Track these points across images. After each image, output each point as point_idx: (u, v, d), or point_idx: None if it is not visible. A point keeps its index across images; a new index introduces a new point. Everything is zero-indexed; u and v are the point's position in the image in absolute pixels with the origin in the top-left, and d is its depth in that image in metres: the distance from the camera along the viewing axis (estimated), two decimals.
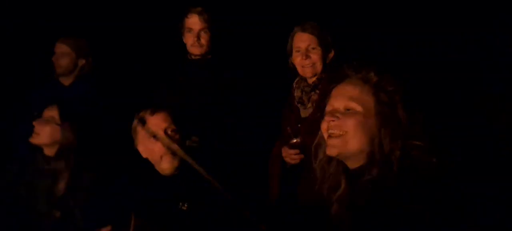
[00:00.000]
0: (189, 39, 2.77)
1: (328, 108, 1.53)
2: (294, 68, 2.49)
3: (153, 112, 2.11)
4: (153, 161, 2.09)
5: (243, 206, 1.74)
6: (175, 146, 2.01)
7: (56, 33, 3.14)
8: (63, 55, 3.04)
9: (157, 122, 2.09)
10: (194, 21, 2.75)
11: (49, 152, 2.41)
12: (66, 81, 3.09)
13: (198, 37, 2.74)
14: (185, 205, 2.01)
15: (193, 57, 2.81)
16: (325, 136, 1.50)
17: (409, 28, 2.97)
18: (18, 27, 3.37)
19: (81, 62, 3.07)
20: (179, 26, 2.82)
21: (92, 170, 2.38)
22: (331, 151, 1.48)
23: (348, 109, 1.48)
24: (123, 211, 1.90)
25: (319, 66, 2.41)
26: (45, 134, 2.37)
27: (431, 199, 1.34)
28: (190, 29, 2.76)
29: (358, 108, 1.46)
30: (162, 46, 3.25)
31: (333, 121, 1.48)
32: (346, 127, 1.45)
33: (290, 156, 2.34)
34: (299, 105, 2.45)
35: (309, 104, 2.41)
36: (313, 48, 2.40)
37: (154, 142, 2.06)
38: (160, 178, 2.09)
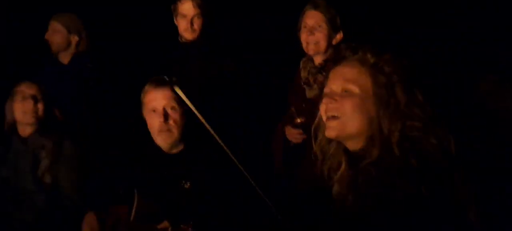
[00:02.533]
0: (182, 24, 2.79)
1: (326, 90, 1.52)
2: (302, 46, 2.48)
3: (156, 86, 2.10)
4: (152, 135, 2.10)
5: (255, 180, 1.74)
6: (201, 117, 1.99)
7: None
8: (55, 32, 3.06)
9: (158, 97, 2.08)
10: (188, 7, 2.77)
11: (23, 132, 2.42)
12: (65, 59, 3.10)
13: (192, 23, 2.77)
14: (188, 184, 2.02)
15: (184, 39, 2.84)
16: (324, 118, 1.51)
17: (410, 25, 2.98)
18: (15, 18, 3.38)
19: (74, 38, 3.07)
20: (172, 9, 2.84)
21: (71, 138, 2.42)
22: (330, 133, 1.48)
23: (346, 91, 1.47)
24: (126, 189, 1.91)
25: (322, 45, 2.40)
26: (41, 110, 2.42)
27: (432, 181, 1.34)
28: (184, 15, 2.78)
29: (355, 90, 1.46)
30: (157, 27, 3.26)
31: (331, 103, 1.48)
32: (343, 109, 1.45)
33: (293, 135, 2.37)
34: (305, 86, 2.45)
35: (315, 86, 2.40)
36: (319, 26, 2.40)
37: (153, 115, 2.07)
38: (163, 156, 2.10)
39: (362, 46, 1.51)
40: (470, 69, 2.86)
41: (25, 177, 2.37)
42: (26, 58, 3.32)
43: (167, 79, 2.06)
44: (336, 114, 1.46)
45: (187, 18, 2.77)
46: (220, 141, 1.87)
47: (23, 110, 2.40)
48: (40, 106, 2.42)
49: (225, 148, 1.84)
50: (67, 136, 2.47)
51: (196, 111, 1.98)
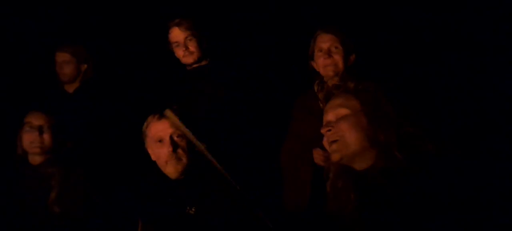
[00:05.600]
0: (178, 52, 2.82)
1: (323, 123, 1.65)
2: (313, 71, 2.50)
3: (160, 118, 2.08)
4: (159, 165, 2.08)
5: (257, 205, 1.75)
6: (196, 142, 1.96)
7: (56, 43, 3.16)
8: (66, 63, 3.07)
9: (163, 128, 2.07)
10: (176, 34, 2.79)
11: (33, 161, 2.41)
12: (71, 88, 3.11)
13: (186, 46, 2.77)
14: (193, 209, 2.00)
15: (189, 68, 2.85)
16: (327, 147, 1.63)
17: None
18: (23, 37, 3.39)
19: (83, 67, 3.09)
20: (168, 45, 2.85)
21: (79, 167, 2.40)
22: (335, 157, 1.59)
23: (339, 117, 1.60)
24: (130, 216, 1.89)
25: (341, 66, 2.42)
26: (47, 141, 2.39)
27: (434, 182, 1.42)
28: (176, 43, 2.80)
29: (346, 111, 1.60)
30: (166, 53, 3.26)
31: (329, 130, 1.60)
32: (341, 130, 1.58)
33: (321, 158, 2.30)
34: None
35: None
36: (336, 48, 2.43)
37: (160, 145, 2.05)
38: (168, 181, 2.08)
39: (345, 82, 1.69)
40: (469, 69, 2.86)
41: (34, 205, 2.35)
42: (26, 59, 3.32)
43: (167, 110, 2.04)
44: (335, 138, 1.58)
45: (180, 45, 2.78)
46: (218, 166, 1.86)
47: (30, 141, 2.40)
48: (46, 137, 2.39)
49: (225, 173, 1.84)
50: (76, 165, 2.43)
51: (192, 138, 1.95)
